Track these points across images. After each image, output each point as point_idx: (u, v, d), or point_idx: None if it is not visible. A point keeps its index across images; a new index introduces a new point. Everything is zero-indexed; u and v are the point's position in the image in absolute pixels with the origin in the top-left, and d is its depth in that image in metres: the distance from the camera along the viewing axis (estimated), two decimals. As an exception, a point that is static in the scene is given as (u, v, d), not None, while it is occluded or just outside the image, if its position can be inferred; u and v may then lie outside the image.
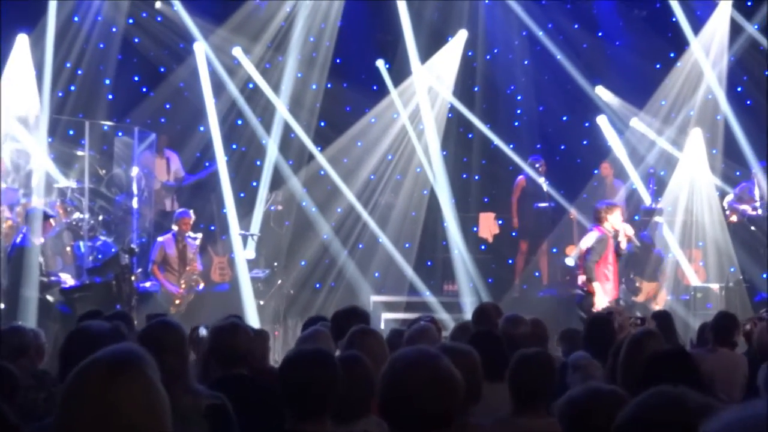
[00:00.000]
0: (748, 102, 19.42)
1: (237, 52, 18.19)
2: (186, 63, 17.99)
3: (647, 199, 18.94)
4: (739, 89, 19.44)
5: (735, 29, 18.91)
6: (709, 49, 18.97)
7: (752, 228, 17.77)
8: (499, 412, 5.45)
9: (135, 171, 16.21)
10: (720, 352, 8.73)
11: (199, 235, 16.09)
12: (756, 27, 18.92)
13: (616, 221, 13.66)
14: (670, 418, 2.84)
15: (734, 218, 17.83)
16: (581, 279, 13.58)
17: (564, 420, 3.97)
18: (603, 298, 13.18)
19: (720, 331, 9.01)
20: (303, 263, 18.22)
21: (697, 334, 10.08)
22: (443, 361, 3.80)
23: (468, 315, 14.51)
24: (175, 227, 15.79)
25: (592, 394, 3.98)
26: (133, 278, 13.78)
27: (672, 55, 19.70)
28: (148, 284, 15.39)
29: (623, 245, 13.62)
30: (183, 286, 15.64)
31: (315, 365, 4.52)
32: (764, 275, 17.48)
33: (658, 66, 19.80)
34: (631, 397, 3.21)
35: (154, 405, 2.68)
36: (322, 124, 19.00)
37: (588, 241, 13.54)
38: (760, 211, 17.75)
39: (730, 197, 17.91)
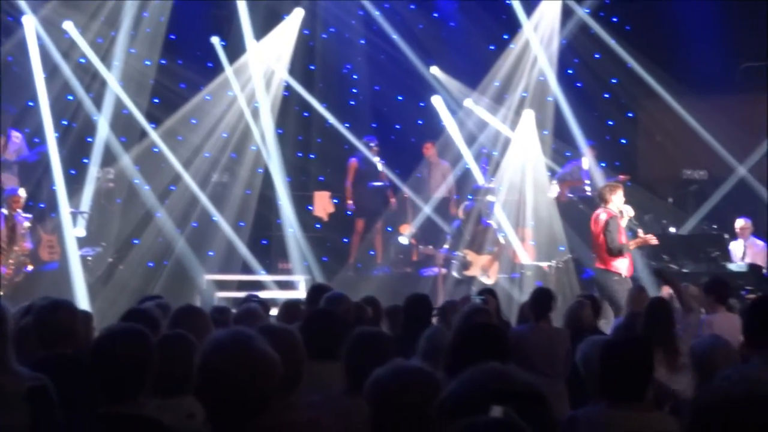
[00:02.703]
0: (578, 84, 19.88)
1: (68, 26, 17.74)
2: (14, 37, 17.52)
3: (480, 179, 19.28)
4: (569, 71, 19.86)
5: (566, 13, 19.33)
6: (540, 32, 19.34)
7: (580, 207, 18.18)
8: (332, 390, 5.44)
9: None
10: (540, 327, 9.02)
11: (30, 216, 15.77)
12: (587, 11, 19.35)
13: (619, 201, 13.79)
14: (497, 393, 2.92)
15: (556, 193, 18.43)
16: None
17: (371, 400, 3.96)
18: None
19: (538, 307, 9.33)
20: (135, 241, 17.99)
21: (518, 311, 10.29)
22: (256, 343, 3.73)
23: (302, 293, 14.91)
24: (4, 206, 15.45)
25: (398, 373, 3.98)
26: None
27: (505, 36, 19.93)
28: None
29: (623, 224, 13.74)
30: (11, 266, 15.29)
31: (127, 344, 4.43)
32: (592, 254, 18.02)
33: (491, 47, 20.03)
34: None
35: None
36: (156, 100, 18.69)
37: (601, 223, 13.59)
38: (588, 190, 18.29)
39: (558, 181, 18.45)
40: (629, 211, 13.80)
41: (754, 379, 4.32)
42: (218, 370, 3.65)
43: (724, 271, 15.24)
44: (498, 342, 5.26)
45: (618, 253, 13.32)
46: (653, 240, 14.13)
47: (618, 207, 13.65)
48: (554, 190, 18.20)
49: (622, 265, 13.43)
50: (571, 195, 18.66)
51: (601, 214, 13.57)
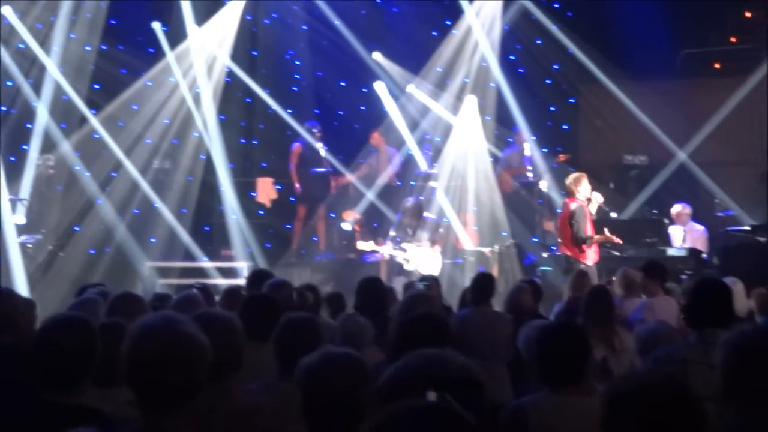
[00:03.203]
0: (521, 70, 19.92)
1: (6, 11, 17.54)
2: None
3: (423, 165, 19.33)
4: (512, 57, 19.89)
5: (508, -2, 19.36)
6: (482, 18, 19.38)
7: (522, 193, 18.47)
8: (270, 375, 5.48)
9: None
10: (482, 312, 9.04)
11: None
12: (528, -4, 19.40)
13: (586, 190, 14.23)
14: (432, 378, 2.95)
15: (507, 185, 18.60)
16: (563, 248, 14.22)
17: (301, 386, 3.99)
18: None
19: (479, 291, 9.38)
20: (76, 229, 17.84)
21: (460, 296, 10.37)
22: (183, 326, 3.67)
23: (244, 280, 14.65)
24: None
25: (326, 359, 4.03)
26: None
27: (448, 22, 19.99)
28: None
29: (593, 210, 14.23)
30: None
31: (71, 333, 4.41)
32: (534, 239, 18.19)
33: (434, 33, 20.05)
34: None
35: None
36: (97, 86, 18.53)
37: (567, 215, 14.05)
38: (530, 176, 18.46)
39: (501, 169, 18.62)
40: (598, 198, 14.32)
41: (679, 359, 4.44)
42: (144, 353, 3.59)
43: (663, 255, 15.37)
44: (439, 330, 5.27)
45: (582, 243, 13.81)
46: (617, 239, 14.53)
47: (585, 196, 14.13)
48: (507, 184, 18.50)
49: (588, 254, 13.93)
50: (515, 183, 18.82)
51: (570, 204, 14.03)
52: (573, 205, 13.96)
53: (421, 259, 16.38)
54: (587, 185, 14.19)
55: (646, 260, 12.05)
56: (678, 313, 9.68)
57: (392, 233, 16.75)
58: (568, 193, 14.24)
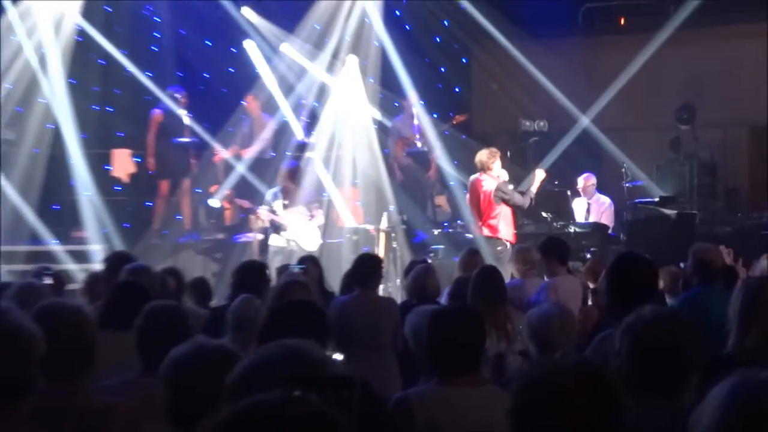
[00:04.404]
0: (407, 27, 20.07)
1: None
2: None
3: (299, 133, 19.34)
4: (397, 13, 20.04)
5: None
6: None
7: (412, 165, 18.73)
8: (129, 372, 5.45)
9: None
10: (365, 297, 9.13)
11: None
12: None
13: (498, 167, 14.78)
14: (286, 370, 2.89)
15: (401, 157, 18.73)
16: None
17: (167, 382, 3.98)
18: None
19: (362, 274, 9.43)
20: None
21: (342, 280, 10.44)
22: (6, 317, 3.62)
23: (99, 265, 14.21)
24: None
25: (196, 352, 4.01)
26: None
27: (326, -27, 19.84)
28: None
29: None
30: None
31: None
32: (427, 215, 18.41)
33: (310, -14, 19.97)
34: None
35: None
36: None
37: (490, 189, 14.48)
38: (419, 144, 18.69)
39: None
40: (504, 176, 14.80)
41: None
42: None
43: (565, 231, 15.80)
44: (313, 319, 5.28)
45: (530, 206, 14.74)
46: (543, 172, 15.48)
47: (497, 173, 14.65)
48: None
49: (508, 233, 14.50)
50: (407, 155, 18.96)
51: (487, 180, 14.47)
52: (491, 182, 14.39)
53: (299, 230, 16.41)
54: (500, 162, 14.72)
55: (546, 236, 12.37)
56: (581, 293, 10.27)
57: (268, 197, 16.71)
58: (482, 168, 14.55)
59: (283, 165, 17.26)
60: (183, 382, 3.92)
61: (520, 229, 15.67)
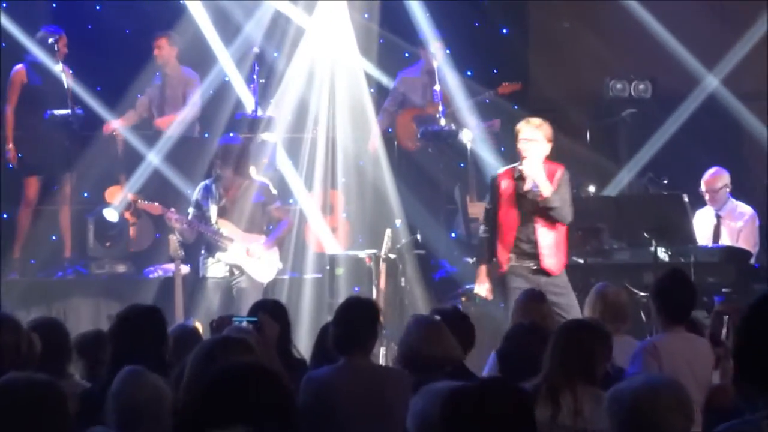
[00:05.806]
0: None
1: None
2: None
3: (249, 104, 17.05)
4: None
5: None
6: None
7: (430, 151, 17.03)
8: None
9: None
10: (354, 368, 8.40)
11: None
12: None
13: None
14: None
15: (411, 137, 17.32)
16: None
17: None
18: None
19: (351, 332, 8.52)
20: None
21: (316, 339, 9.50)
22: None
23: None
24: None
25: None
26: None
27: None
28: None
29: None
30: None
31: None
32: (452, 234, 16.95)
33: None
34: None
35: None
36: None
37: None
38: (443, 122, 16.57)
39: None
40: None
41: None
42: None
43: (680, 260, 14.07)
44: (271, 403, 4.82)
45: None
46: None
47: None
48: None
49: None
50: (421, 135, 17.02)
51: (558, 171, 12.67)
52: (559, 172, 12.59)
53: (245, 251, 14.33)
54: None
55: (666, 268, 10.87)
56: (710, 361, 9.15)
57: (196, 194, 14.65)
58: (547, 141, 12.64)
59: (218, 142, 15.33)
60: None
61: (607, 257, 14.50)
